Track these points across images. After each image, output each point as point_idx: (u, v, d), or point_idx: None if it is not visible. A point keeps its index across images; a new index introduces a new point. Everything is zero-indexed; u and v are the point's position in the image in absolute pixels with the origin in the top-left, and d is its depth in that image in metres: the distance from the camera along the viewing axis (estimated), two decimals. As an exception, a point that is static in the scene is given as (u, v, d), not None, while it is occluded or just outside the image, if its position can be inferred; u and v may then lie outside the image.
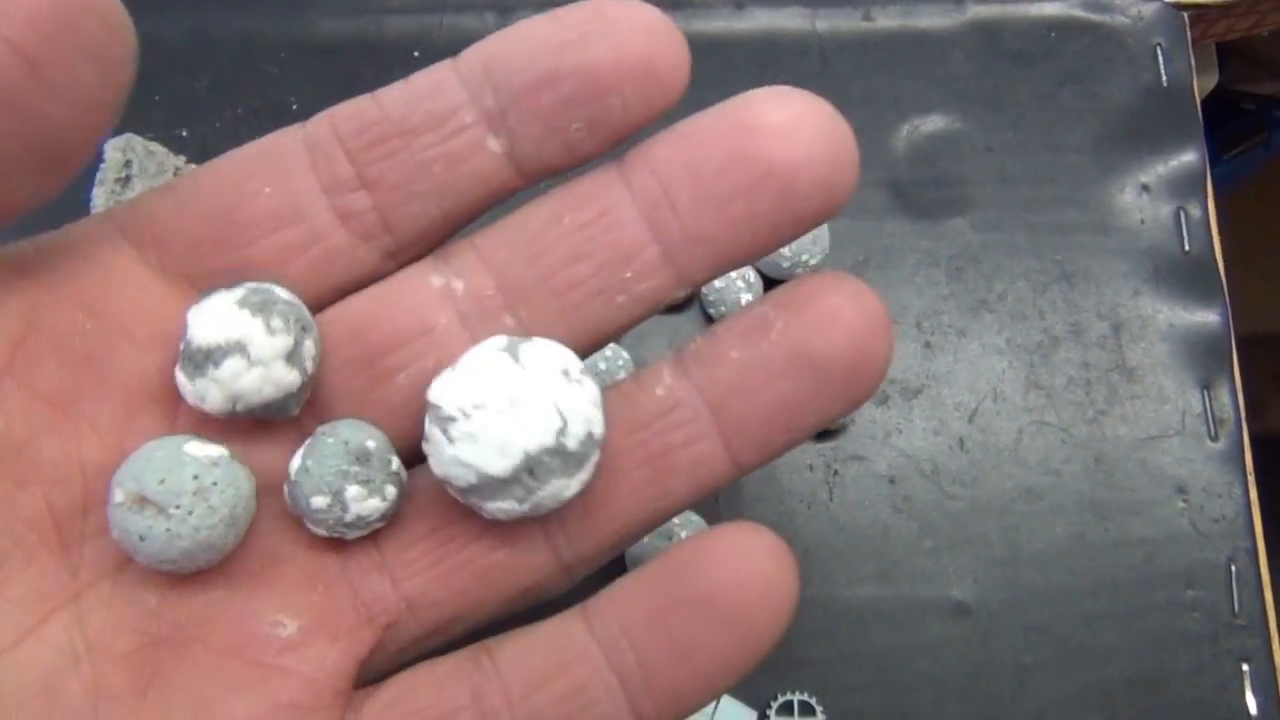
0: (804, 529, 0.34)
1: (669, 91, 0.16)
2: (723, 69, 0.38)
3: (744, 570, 0.16)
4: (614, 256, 0.17)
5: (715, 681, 0.17)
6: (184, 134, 0.37)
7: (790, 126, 0.16)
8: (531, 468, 0.16)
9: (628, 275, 0.17)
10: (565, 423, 0.16)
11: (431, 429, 0.16)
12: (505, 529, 0.17)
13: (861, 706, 0.33)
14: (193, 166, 0.34)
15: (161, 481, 0.16)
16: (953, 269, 0.36)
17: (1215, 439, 0.35)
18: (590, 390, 0.17)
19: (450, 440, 0.16)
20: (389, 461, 0.17)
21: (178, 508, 0.16)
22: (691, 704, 0.17)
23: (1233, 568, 0.34)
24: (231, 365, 0.16)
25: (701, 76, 0.37)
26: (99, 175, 0.34)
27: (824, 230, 0.34)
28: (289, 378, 0.16)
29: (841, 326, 0.17)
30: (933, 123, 0.37)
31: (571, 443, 0.16)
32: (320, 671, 0.17)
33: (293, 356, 0.16)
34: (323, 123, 0.17)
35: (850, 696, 0.33)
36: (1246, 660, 0.33)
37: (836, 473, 0.35)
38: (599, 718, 0.17)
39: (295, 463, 0.17)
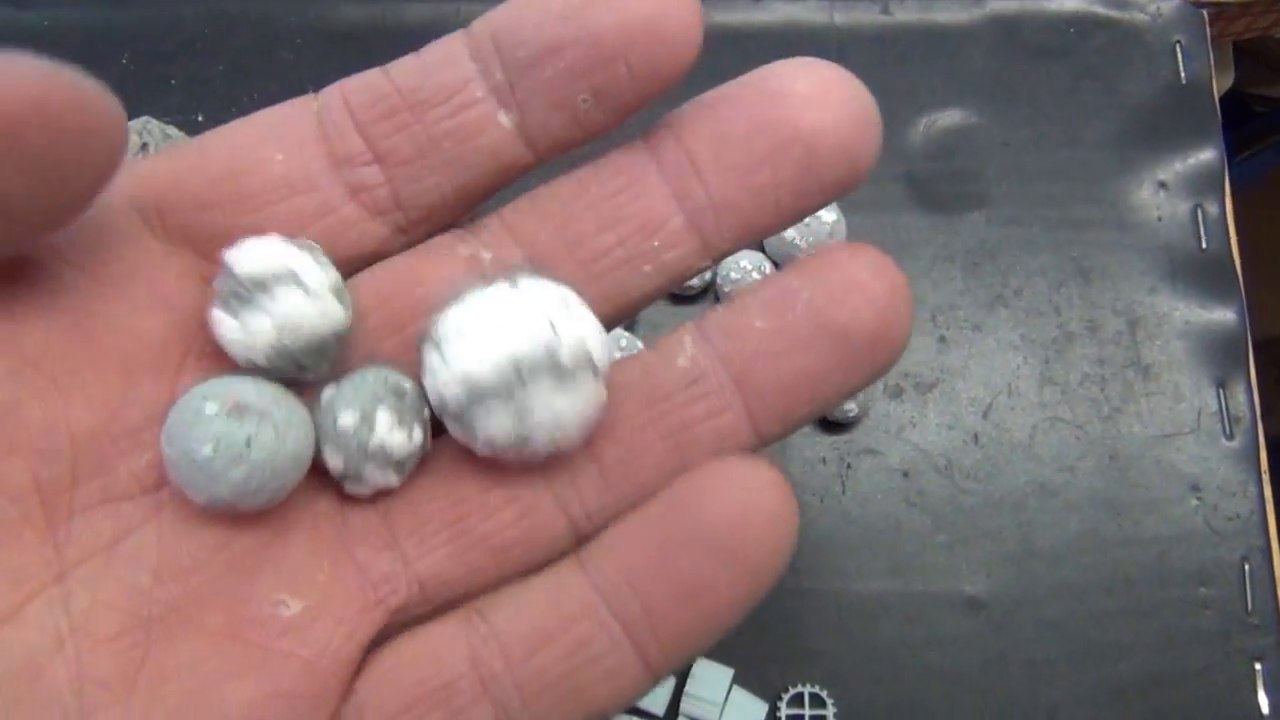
0: (817, 522, 0.34)
1: (679, 57, 0.16)
2: (740, 61, 0.37)
3: (745, 505, 0.16)
4: (641, 225, 0.17)
5: (720, 620, 0.16)
6: (200, 119, 0.37)
7: (816, 95, 0.16)
8: (520, 372, 0.16)
9: (655, 244, 0.17)
10: (557, 335, 0.16)
11: (429, 355, 0.16)
12: (521, 505, 0.17)
13: (872, 699, 0.33)
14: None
15: (259, 391, 0.15)
16: (969, 264, 0.36)
17: (1230, 437, 0.35)
18: (588, 318, 0.16)
19: (444, 360, 0.16)
20: (422, 408, 0.17)
21: (279, 410, 0.15)
22: (697, 645, 0.16)
23: (1246, 566, 0.34)
24: (287, 294, 0.16)
25: (718, 68, 0.37)
26: (115, 158, 0.34)
27: (840, 223, 0.34)
28: (339, 313, 0.16)
29: (866, 297, 0.16)
30: (950, 117, 0.37)
31: (565, 356, 0.16)
32: (323, 656, 0.16)
33: (340, 293, 0.16)
34: (334, 94, 0.17)
35: (861, 689, 0.33)
36: (1259, 659, 0.33)
37: (850, 466, 0.35)
38: (606, 670, 0.16)
39: (327, 392, 0.16)
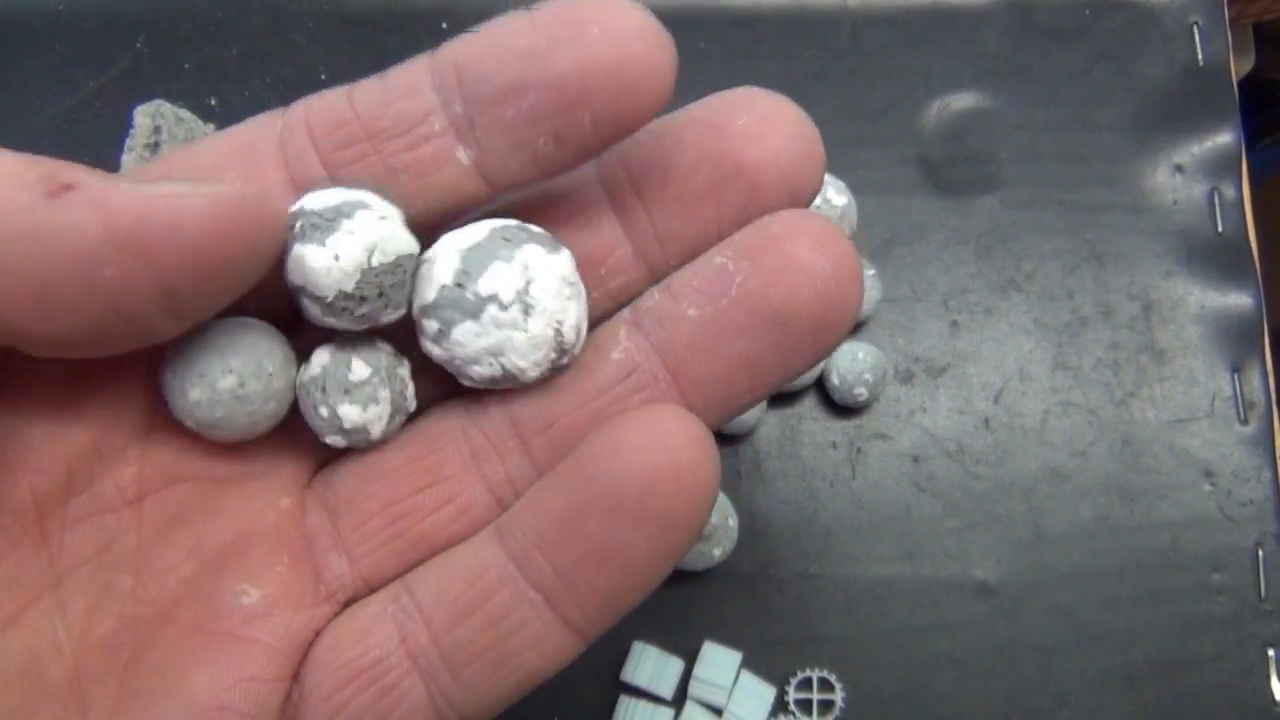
0: (826, 507, 0.34)
1: (644, 106, 0.16)
2: (751, 43, 0.37)
3: (653, 462, 0.15)
4: (588, 253, 0.17)
5: (640, 582, 0.16)
6: (212, 102, 0.37)
7: (757, 130, 0.17)
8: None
9: (601, 272, 0.18)
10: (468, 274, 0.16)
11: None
12: (457, 505, 0.17)
13: (881, 685, 0.33)
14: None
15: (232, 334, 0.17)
16: (981, 247, 0.36)
17: (1245, 422, 0.35)
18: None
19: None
20: (403, 363, 0.17)
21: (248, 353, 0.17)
22: (622, 606, 0.16)
23: (1260, 552, 0.34)
24: (365, 218, 0.16)
25: (729, 51, 0.37)
26: (128, 141, 0.35)
27: (851, 206, 0.34)
28: (410, 241, 0.16)
29: (807, 276, 0.16)
30: (964, 99, 0.37)
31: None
32: (283, 641, 0.17)
33: (408, 227, 0.17)
34: (298, 113, 0.17)
35: (870, 674, 0.33)
36: (1272, 645, 0.33)
37: (860, 451, 0.35)
38: (530, 638, 0.16)
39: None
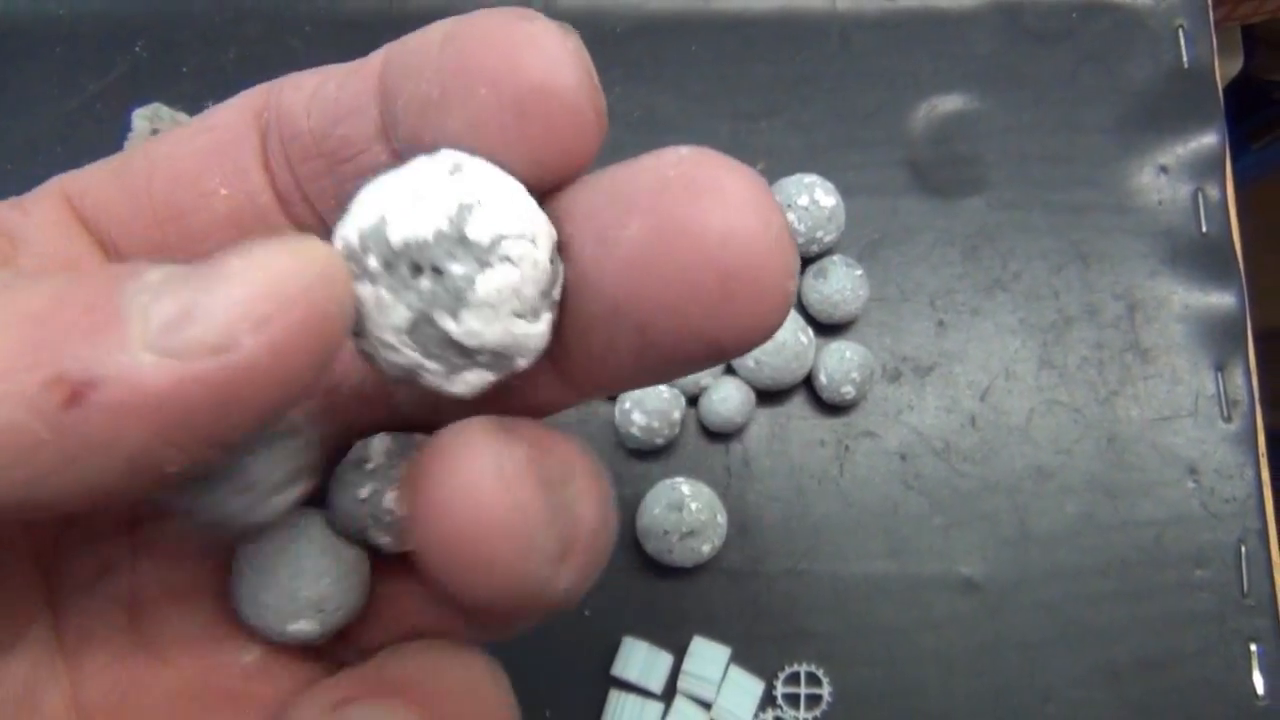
0: (814, 504, 0.35)
1: (551, 178, 0.13)
2: (742, 46, 0.38)
3: None
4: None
5: None
6: (209, 105, 0.37)
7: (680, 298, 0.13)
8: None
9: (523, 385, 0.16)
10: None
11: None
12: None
13: (868, 680, 0.33)
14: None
15: None
16: (968, 248, 0.36)
17: (1228, 420, 0.35)
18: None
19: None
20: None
21: None
22: None
23: (1243, 548, 0.34)
24: None
25: (721, 54, 0.37)
26: (126, 144, 0.35)
27: (840, 207, 0.35)
28: None
29: None
30: (951, 102, 0.38)
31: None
32: (283, 692, 0.16)
33: None
34: (273, 112, 0.16)
35: (857, 670, 0.33)
36: (1255, 640, 0.33)
37: (848, 448, 0.35)
38: None
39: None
